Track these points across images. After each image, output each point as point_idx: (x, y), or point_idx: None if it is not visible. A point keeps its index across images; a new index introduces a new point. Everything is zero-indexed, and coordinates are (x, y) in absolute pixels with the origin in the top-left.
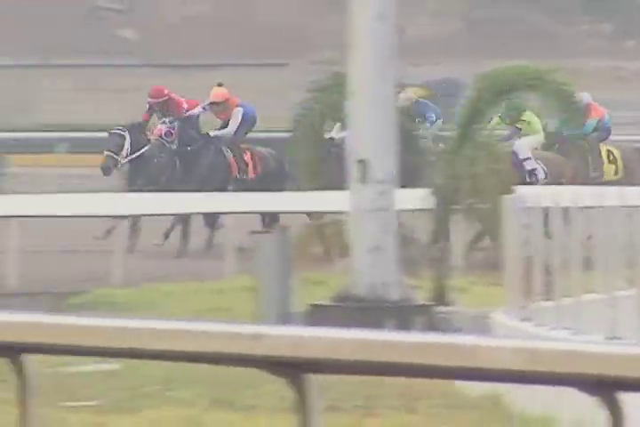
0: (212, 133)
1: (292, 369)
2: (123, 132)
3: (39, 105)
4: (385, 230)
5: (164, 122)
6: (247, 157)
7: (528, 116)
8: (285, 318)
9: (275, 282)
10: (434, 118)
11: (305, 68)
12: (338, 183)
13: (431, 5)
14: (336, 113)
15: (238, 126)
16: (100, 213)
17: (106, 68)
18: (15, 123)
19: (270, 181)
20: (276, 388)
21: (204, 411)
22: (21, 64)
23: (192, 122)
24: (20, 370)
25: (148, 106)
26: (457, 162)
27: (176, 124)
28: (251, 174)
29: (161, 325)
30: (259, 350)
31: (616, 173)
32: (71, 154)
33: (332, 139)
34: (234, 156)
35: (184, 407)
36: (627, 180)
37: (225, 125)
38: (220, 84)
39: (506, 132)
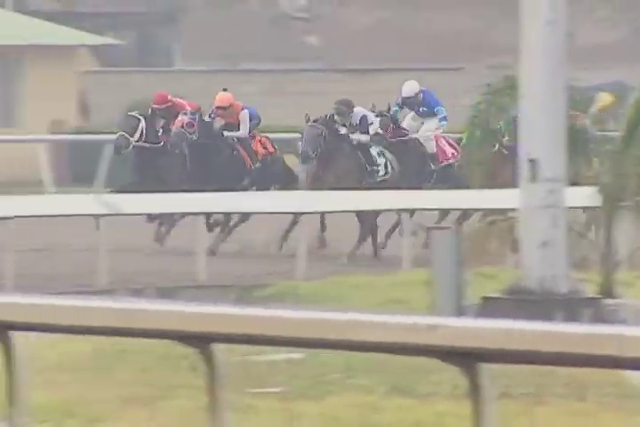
0: (226, 134)
1: (466, 359)
2: (139, 117)
3: None
4: (554, 226)
5: (185, 113)
6: (256, 147)
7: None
8: (459, 311)
9: (449, 276)
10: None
11: (480, 73)
12: (509, 182)
13: (600, 12)
14: (507, 114)
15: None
16: (286, 210)
17: (291, 72)
18: None
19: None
20: (451, 376)
21: (383, 398)
22: (212, 69)
23: (209, 120)
24: (209, 359)
25: (150, 111)
26: (624, 161)
27: (197, 116)
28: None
29: (342, 316)
30: (434, 340)
31: None
32: None
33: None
34: (247, 153)
35: (364, 394)
36: None
37: (232, 128)
38: (224, 89)
39: None
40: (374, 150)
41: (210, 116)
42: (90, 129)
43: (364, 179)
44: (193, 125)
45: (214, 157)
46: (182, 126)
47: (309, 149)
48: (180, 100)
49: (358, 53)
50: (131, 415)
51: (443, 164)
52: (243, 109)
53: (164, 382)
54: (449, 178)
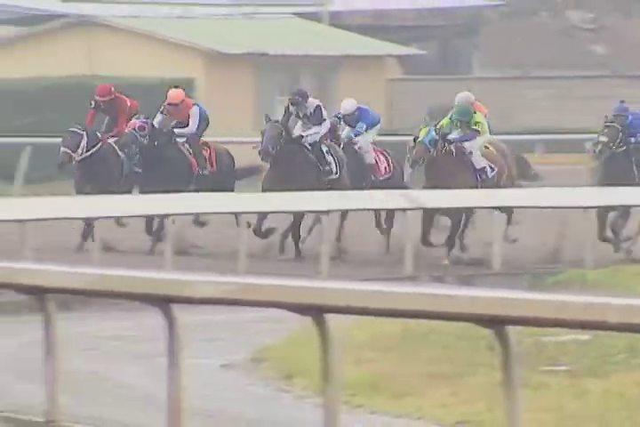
0: (176, 131)
1: None
2: (81, 132)
3: (520, 112)
4: None
5: (138, 117)
6: (206, 153)
7: (479, 117)
8: None
9: None
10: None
11: None
12: None
13: None
14: None
15: (198, 124)
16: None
17: (578, 79)
18: (500, 127)
19: (225, 175)
20: None
21: None
22: (506, 76)
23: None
24: (504, 339)
25: (94, 103)
26: None
27: (149, 120)
28: (210, 169)
29: (624, 301)
30: None
31: None
32: (548, 153)
33: None
34: (194, 153)
35: None
36: None
37: (182, 125)
38: (176, 87)
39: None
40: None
41: (161, 113)
42: (394, 131)
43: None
44: (144, 129)
45: (163, 161)
46: (135, 129)
47: (269, 146)
48: (123, 97)
49: None
50: (434, 391)
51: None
52: (193, 106)
53: (464, 361)
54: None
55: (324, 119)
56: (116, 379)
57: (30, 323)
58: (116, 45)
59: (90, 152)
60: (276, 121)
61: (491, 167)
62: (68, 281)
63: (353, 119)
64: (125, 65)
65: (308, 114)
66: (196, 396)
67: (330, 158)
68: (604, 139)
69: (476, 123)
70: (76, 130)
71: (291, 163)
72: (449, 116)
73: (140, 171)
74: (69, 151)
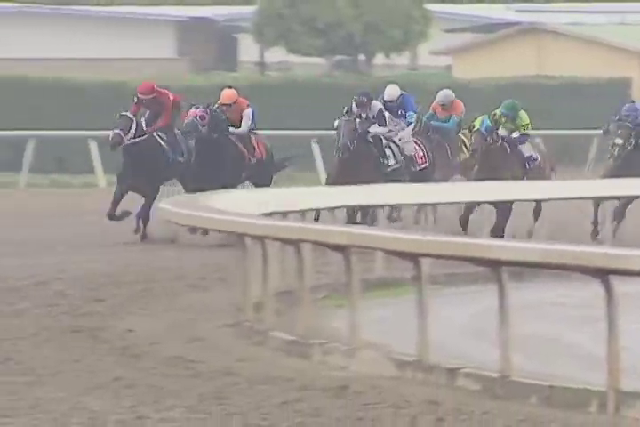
0: (231, 130)
1: None
2: (132, 117)
3: None
4: None
5: (197, 106)
6: (254, 142)
7: (526, 117)
8: None
9: None
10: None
11: None
12: None
13: None
14: None
15: (250, 125)
16: None
17: None
18: None
19: (267, 165)
20: None
21: None
22: None
23: (220, 113)
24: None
25: (136, 99)
26: None
27: (209, 110)
28: (258, 158)
29: None
30: None
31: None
32: None
33: None
34: (243, 143)
35: None
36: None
37: (233, 125)
38: (229, 87)
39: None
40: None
41: (215, 109)
42: None
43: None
44: (205, 118)
45: (218, 149)
46: (195, 117)
47: (347, 141)
48: (166, 91)
49: None
50: None
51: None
52: (248, 107)
53: None
54: None
55: (386, 123)
56: (561, 340)
57: (485, 292)
58: (562, 49)
59: (137, 139)
60: (349, 116)
61: (534, 157)
62: (522, 255)
63: (395, 106)
64: (569, 66)
65: (371, 117)
66: (633, 356)
67: (389, 152)
68: (619, 141)
69: (525, 125)
70: (127, 114)
71: (357, 156)
72: (494, 112)
73: (182, 160)
74: (121, 133)
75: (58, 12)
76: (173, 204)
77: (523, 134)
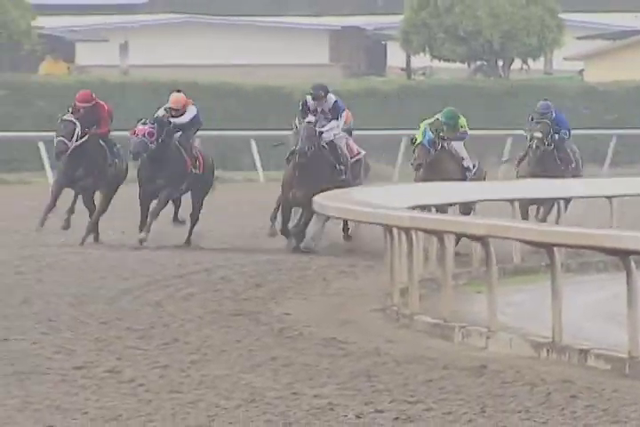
0: (171, 120)
1: None
2: (74, 121)
3: None
4: None
5: (144, 122)
6: (196, 154)
7: (463, 121)
8: None
9: None
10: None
11: None
12: None
13: None
14: None
15: (192, 121)
16: None
17: None
18: None
19: (208, 176)
20: None
21: None
22: None
23: (164, 119)
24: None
25: (72, 108)
26: None
27: (155, 122)
28: (200, 170)
29: None
30: None
31: None
32: None
33: None
34: (187, 154)
35: None
36: None
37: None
38: (178, 91)
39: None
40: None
41: (164, 109)
42: None
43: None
44: (153, 135)
45: (163, 159)
46: (144, 135)
47: (305, 146)
48: (101, 101)
49: None
50: None
51: None
52: (191, 106)
53: None
54: None
55: (339, 116)
56: None
57: (614, 280)
58: None
59: (80, 141)
60: (310, 121)
61: (473, 165)
62: None
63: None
64: None
65: (327, 110)
66: None
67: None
68: (538, 134)
69: (462, 126)
70: (70, 119)
71: (314, 163)
72: (436, 118)
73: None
74: (65, 140)
75: (224, 22)
76: (325, 197)
77: (463, 132)
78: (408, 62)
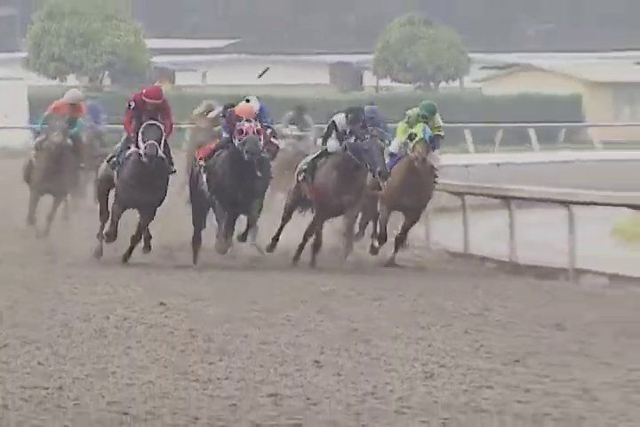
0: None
1: None
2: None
3: None
4: None
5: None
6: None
7: (439, 120)
8: None
9: None
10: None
11: None
12: None
13: None
14: None
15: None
16: None
17: None
18: None
19: None
20: None
21: None
22: None
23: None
24: None
25: (135, 103)
26: None
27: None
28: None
29: None
30: None
31: None
32: None
33: None
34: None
35: None
36: None
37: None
38: (247, 100)
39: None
40: None
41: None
42: None
43: None
44: (261, 134)
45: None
46: (254, 133)
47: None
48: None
49: None
50: None
51: None
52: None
53: None
54: None
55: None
56: None
57: (501, 215)
58: None
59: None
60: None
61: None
62: None
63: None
64: None
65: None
66: None
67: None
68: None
69: (439, 127)
70: (156, 123)
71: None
72: (416, 111)
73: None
74: (156, 144)
75: (264, 59)
76: None
77: (437, 135)
78: (377, 83)
